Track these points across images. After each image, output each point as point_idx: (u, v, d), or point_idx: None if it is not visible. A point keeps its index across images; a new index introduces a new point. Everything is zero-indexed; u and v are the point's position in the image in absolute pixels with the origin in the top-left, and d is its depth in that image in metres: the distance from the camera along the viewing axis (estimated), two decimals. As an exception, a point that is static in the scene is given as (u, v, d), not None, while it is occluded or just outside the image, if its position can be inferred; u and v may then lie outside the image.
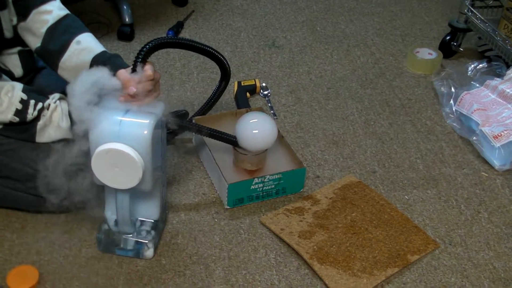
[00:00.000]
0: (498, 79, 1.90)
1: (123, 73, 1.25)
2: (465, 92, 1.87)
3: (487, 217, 1.55)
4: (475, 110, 1.80)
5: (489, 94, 1.88)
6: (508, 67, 1.94)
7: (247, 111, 1.69)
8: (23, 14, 1.42)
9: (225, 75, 1.61)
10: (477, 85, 1.91)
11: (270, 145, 1.58)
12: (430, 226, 1.52)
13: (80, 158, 1.23)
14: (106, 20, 2.33)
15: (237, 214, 1.52)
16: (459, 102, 1.86)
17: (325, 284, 1.34)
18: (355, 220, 1.50)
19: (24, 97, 1.33)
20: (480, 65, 2.01)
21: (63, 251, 1.39)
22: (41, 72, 1.60)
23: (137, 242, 1.36)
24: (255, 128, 1.54)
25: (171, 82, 2.00)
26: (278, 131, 1.60)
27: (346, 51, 2.23)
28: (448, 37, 2.20)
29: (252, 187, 1.52)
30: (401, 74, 2.12)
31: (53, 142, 1.38)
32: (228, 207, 1.53)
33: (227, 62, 1.58)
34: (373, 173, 1.68)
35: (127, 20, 2.22)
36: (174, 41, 1.41)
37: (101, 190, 1.30)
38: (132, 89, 1.23)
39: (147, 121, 1.21)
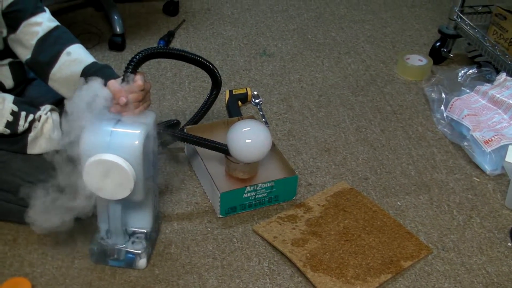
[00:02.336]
0: (488, 84, 1.91)
1: (114, 83, 1.25)
2: (456, 97, 1.88)
3: (479, 222, 1.56)
4: (465, 116, 1.81)
5: (480, 99, 1.89)
6: (497, 72, 1.95)
7: (239, 120, 1.69)
8: (13, 26, 1.42)
9: (216, 84, 1.61)
10: (468, 90, 1.92)
11: (264, 156, 1.55)
12: (423, 231, 1.52)
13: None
14: (97, 30, 2.33)
15: (230, 222, 1.52)
16: (450, 107, 1.87)
17: (319, 292, 1.34)
18: (347, 227, 1.50)
19: (15, 109, 1.33)
20: (470, 71, 2.02)
21: (55, 263, 1.39)
22: (32, 83, 1.59)
23: (130, 252, 1.35)
24: (248, 138, 1.52)
25: (163, 92, 2.00)
26: (270, 140, 1.59)
27: (337, 59, 2.24)
28: (438, 44, 2.22)
29: (245, 195, 1.52)
30: (392, 80, 2.13)
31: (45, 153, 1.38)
32: (220, 216, 1.53)
33: (217, 71, 1.58)
34: (365, 180, 1.68)
35: (118, 30, 2.23)
36: (165, 51, 1.41)
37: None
38: (123, 100, 1.22)
39: (138, 131, 1.21)
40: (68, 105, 1.21)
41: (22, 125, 1.34)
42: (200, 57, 1.50)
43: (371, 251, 1.43)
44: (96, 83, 1.22)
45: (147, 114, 1.28)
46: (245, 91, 1.96)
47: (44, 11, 1.46)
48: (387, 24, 2.50)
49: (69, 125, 1.21)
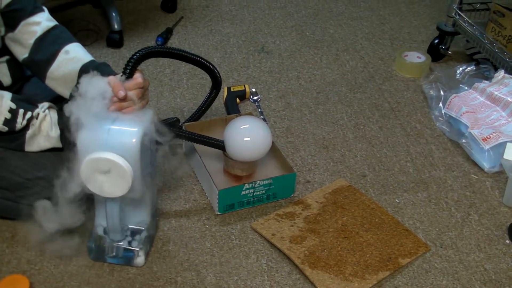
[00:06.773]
0: (486, 81, 1.91)
1: (113, 78, 1.24)
2: (454, 95, 1.88)
3: (477, 219, 1.56)
4: (464, 113, 1.81)
5: (478, 96, 1.89)
6: (496, 69, 1.95)
7: (237, 117, 1.68)
8: (11, 25, 1.41)
9: (216, 84, 1.61)
10: (466, 88, 1.92)
11: (263, 155, 1.53)
12: (421, 229, 1.52)
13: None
14: (95, 27, 2.33)
15: (228, 220, 1.52)
16: (448, 105, 1.87)
17: (317, 289, 1.34)
18: (346, 224, 1.50)
19: (13, 106, 1.33)
20: (469, 68, 2.02)
21: (53, 260, 1.38)
22: (30, 80, 1.59)
23: (128, 249, 1.35)
24: (246, 135, 1.51)
25: (161, 89, 2.00)
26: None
27: (335, 56, 2.24)
28: (436, 41, 2.22)
29: (243, 192, 1.52)
30: (390, 78, 2.13)
31: (42, 151, 1.38)
32: (219, 213, 1.53)
33: (217, 71, 1.57)
34: (364, 177, 1.68)
35: (116, 27, 2.22)
36: (164, 50, 1.40)
37: (91, 198, 1.30)
38: (121, 93, 1.22)
39: (136, 129, 1.21)
40: (70, 101, 1.21)
41: (20, 122, 1.33)
42: (200, 57, 1.49)
43: (369, 248, 1.44)
44: (99, 78, 1.22)
45: (145, 112, 1.28)
46: (243, 88, 1.96)
47: (43, 10, 1.46)
48: (385, 21, 2.49)
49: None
